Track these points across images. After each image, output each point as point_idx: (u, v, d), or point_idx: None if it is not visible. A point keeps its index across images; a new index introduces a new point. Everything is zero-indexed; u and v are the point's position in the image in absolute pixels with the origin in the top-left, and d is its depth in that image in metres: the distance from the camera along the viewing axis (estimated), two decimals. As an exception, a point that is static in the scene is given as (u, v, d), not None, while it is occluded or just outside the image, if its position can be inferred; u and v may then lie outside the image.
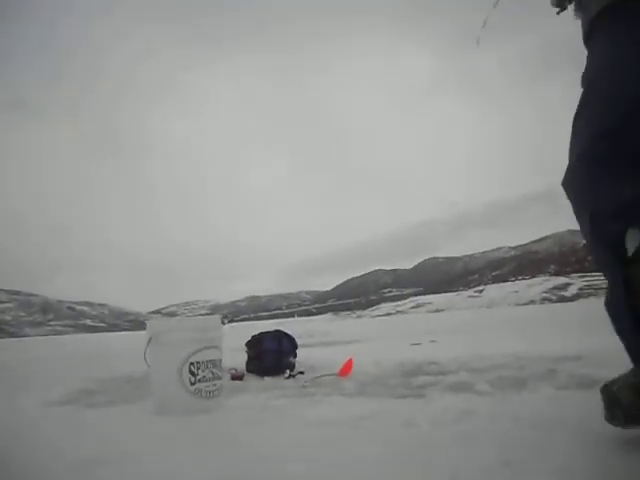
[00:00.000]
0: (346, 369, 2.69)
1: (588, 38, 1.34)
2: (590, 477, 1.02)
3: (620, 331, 1.30)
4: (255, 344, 3.08)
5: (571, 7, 1.55)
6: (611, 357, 2.47)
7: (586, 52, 1.30)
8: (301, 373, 2.82)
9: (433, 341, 4.76)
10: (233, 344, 3.58)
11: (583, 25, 1.36)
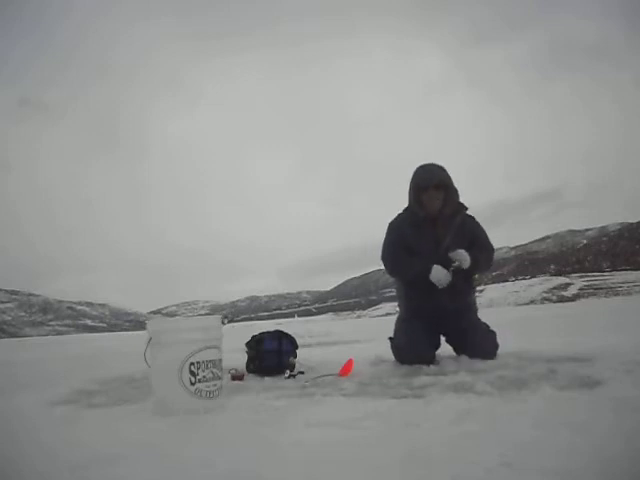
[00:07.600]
0: (346, 369, 2.68)
1: None
2: (591, 477, 1.02)
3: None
4: (255, 344, 3.07)
5: None
6: (611, 357, 2.48)
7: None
8: (301, 373, 2.82)
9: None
10: (233, 344, 3.58)
11: None
